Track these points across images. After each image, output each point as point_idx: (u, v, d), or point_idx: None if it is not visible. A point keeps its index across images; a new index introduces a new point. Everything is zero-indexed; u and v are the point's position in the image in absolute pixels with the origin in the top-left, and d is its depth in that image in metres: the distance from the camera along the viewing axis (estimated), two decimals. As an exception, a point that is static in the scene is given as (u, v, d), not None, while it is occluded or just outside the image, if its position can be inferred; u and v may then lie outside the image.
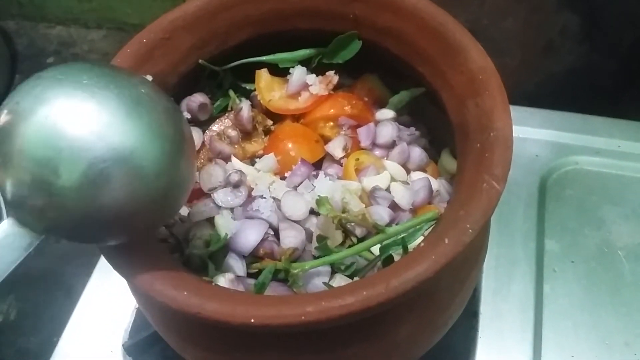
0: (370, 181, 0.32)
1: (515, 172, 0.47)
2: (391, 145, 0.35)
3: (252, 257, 0.31)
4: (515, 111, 0.50)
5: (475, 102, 0.29)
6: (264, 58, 0.36)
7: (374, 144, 0.35)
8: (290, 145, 0.34)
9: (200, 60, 0.35)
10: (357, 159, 0.34)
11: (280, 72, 0.36)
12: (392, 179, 0.33)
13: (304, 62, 0.36)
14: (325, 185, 0.31)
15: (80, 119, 0.21)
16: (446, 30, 0.31)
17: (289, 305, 0.23)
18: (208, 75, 0.36)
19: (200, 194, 0.33)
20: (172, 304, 0.24)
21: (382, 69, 0.37)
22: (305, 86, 0.35)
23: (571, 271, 0.42)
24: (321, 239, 0.29)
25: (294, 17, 0.35)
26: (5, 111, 0.22)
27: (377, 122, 0.36)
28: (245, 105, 0.35)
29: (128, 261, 0.25)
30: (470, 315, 0.41)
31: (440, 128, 0.35)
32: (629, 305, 0.41)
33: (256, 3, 0.34)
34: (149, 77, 0.31)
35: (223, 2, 0.34)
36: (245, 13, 0.34)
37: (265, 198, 0.31)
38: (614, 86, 0.56)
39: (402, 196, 0.32)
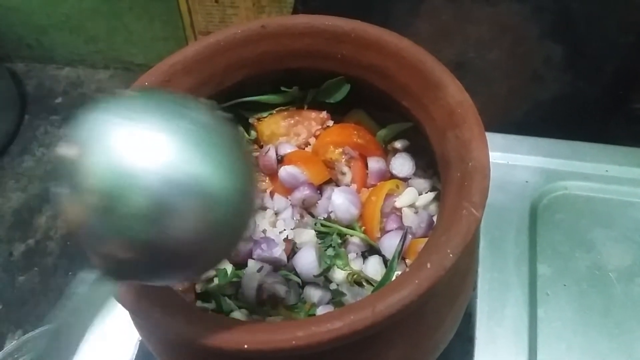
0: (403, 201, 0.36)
1: (506, 198, 0.49)
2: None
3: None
4: (505, 139, 0.52)
5: (454, 134, 0.31)
6: (257, 98, 0.38)
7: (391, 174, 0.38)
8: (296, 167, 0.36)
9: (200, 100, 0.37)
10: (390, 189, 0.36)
11: (271, 107, 0.39)
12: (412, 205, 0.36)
13: (299, 100, 0.39)
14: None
15: (146, 151, 0.21)
16: (425, 68, 0.32)
17: (281, 331, 0.25)
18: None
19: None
20: (169, 332, 0.25)
21: (370, 103, 0.39)
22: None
23: (564, 294, 0.43)
24: (337, 294, 0.32)
25: (286, 58, 0.37)
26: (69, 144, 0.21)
27: (395, 150, 0.38)
28: (271, 149, 0.37)
29: (129, 293, 0.27)
30: (466, 340, 0.41)
31: (427, 157, 0.37)
32: (621, 327, 0.41)
33: (251, 46, 0.36)
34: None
35: (220, 46, 0.36)
36: (241, 56, 0.36)
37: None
38: (599, 112, 0.58)
39: (412, 221, 0.35)
